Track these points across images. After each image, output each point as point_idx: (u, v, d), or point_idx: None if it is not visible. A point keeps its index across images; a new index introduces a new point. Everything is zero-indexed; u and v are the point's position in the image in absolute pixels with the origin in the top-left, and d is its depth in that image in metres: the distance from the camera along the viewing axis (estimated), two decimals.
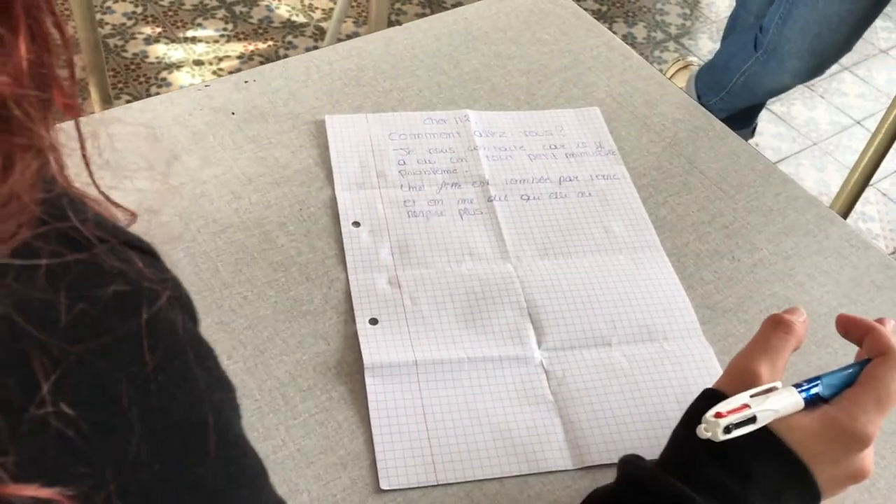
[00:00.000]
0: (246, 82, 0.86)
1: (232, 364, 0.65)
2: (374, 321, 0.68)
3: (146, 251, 0.33)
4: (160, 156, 0.78)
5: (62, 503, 0.27)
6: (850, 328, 0.59)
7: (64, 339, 0.29)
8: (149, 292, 0.31)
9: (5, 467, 0.27)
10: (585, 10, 2.46)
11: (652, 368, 0.67)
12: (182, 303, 0.34)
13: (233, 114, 0.82)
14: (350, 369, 0.66)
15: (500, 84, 0.89)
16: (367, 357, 0.66)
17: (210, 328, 0.67)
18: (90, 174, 0.39)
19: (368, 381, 0.65)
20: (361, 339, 0.67)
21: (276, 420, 0.63)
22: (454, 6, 2.29)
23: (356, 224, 0.75)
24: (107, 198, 0.39)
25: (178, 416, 0.31)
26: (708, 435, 0.51)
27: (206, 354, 0.34)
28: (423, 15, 2.27)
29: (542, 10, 0.98)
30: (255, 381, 0.64)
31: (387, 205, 0.77)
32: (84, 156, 0.39)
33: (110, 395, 0.29)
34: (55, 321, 0.29)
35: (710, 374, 0.68)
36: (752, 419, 0.51)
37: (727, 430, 0.51)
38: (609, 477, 0.61)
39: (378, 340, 0.67)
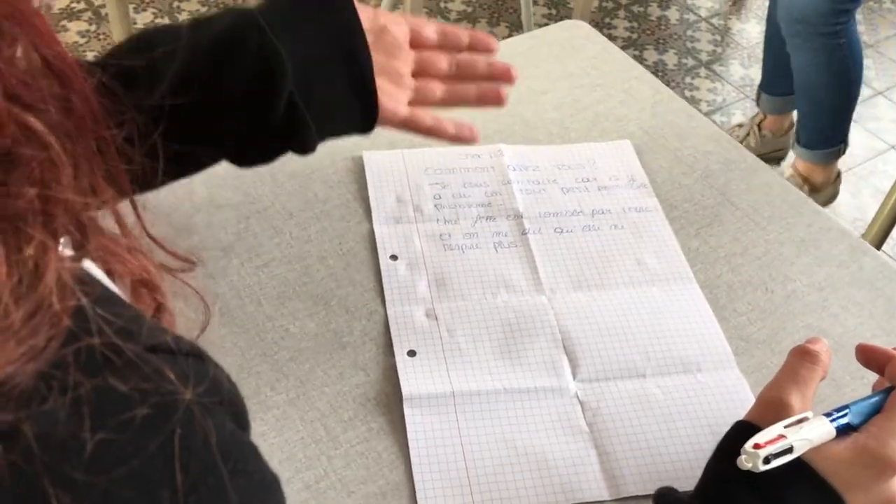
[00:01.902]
0: None
1: (275, 395, 0.67)
2: (412, 353, 0.70)
3: (184, 352, 0.32)
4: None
5: None
6: (871, 357, 0.61)
7: (88, 470, 0.27)
8: (182, 405, 0.30)
9: None
10: (616, 37, 2.47)
11: (686, 400, 0.68)
12: (223, 403, 0.32)
13: None
14: (389, 400, 0.67)
15: (533, 118, 0.91)
16: (406, 388, 0.67)
17: (254, 360, 0.69)
18: (143, 226, 0.40)
19: (407, 411, 0.66)
20: (400, 371, 0.69)
21: (318, 450, 0.64)
22: None
23: (394, 257, 0.77)
24: (163, 247, 0.40)
25: None
26: (749, 466, 0.52)
27: (246, 458, 0.33)
28: None
29: (574, 46, 1.00)
30: (297, 412, 0.66)
31: (423, 238, 0.79)
32: (136, 211, 0.39)
33: None
34: (79, 451, 0.27)
35: (745, 405, 0.68)
36: (789, 449, 0.53)
37: (766, 460, 0.52)
38: None
39: (416, 372, 0.69)
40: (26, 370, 0.26)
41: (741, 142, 1.99)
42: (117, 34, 1.65)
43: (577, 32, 1.02)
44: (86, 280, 0.31)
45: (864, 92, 2.29)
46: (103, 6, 2.22)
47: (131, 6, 2.27)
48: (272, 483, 0.34)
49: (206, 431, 0.30)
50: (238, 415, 0.34)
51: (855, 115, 2.23)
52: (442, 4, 2.40)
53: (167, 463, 0.29)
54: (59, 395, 0.27)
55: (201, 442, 0.30)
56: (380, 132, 0.88)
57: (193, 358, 0.32)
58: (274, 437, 0.65)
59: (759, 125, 2.08)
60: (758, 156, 0.90)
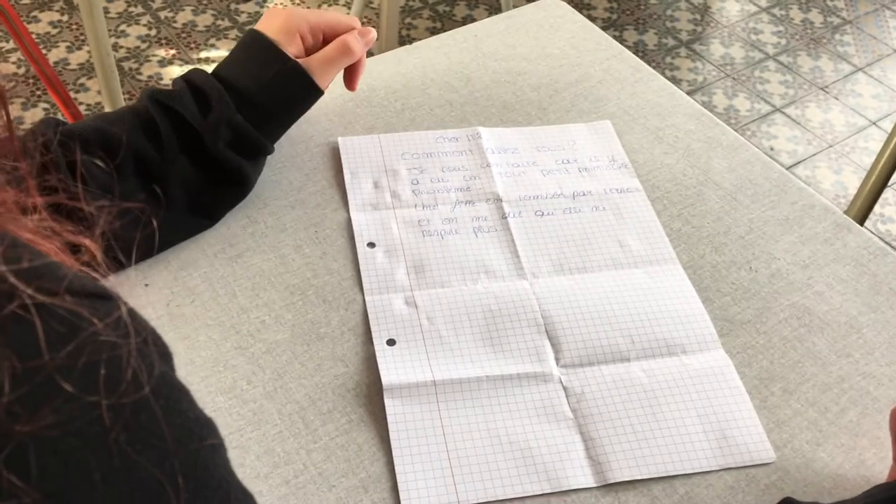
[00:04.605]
0: None
1: (251, 388, 0.65)
2: (391, 342, 0.68)
3: (97, 295, 0.31)
4: None
5: None
6: None
7: (10, 412, 0.27)
8: (106, 345, 0.29)
9: None
10: (595, 18, 2.45)
11: (672, 383, 0.67)
12: (147, 343, 0.32)
13: None
14: (369, 391, 0.66)
15: (512, 100, 0.89)
16: (386, 378, 0.66)
17: (229, 353, 0.67)
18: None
19: (388, 402, 0.65)
20: (379, 361, 0.67)
21: (297, 444, 0.63)
22: (464, 19, 2.30)
23: (371, 245, 0.75)
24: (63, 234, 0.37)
25: (144, 474, 0.30)
26: None
27: (178, 398, 0.32)
28: (434, 29, 2.28)
29: (552, 25, 0.98)
30: (274, 406, 0.65)
31: (401, 225, 0.77)
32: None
33: (69, 465, 0.28)
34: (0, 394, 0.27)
35: (731, 387, 0.67)
36: None
37: None
38: (632, 495, 0.61)
39: (396, 361, 0.67)
40: None
41: None
42: (89, 25, 1.62)
43: (554, 12, 1.00)
44: None
45: (845, 68, 2.28)
46: None
47: None
48: (208, 422, 0.34)
49: (134, 371, 0.30)
50: (164, 354, 0.33)
51: (835, 92, 2.23)
52: None
53: (95, 404, 0.29)
54: None
55: (131, 383, 0.30)
56: (355, 112, 0.86)
57: (109, 300, 0.31)
58: (251, 431, 0.63)
59: None
60: None
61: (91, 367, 0.29)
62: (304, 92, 0.76)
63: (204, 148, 0.71)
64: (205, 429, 0.33)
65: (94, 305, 0.30)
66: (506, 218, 0.78)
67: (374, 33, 0.80)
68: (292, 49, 0.75)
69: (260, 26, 0.76)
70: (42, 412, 0.27)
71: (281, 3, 2.32)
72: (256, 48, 0.75)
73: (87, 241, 0.35)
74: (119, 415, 0.29)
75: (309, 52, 0.78)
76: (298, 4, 2.32)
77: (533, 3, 1.02)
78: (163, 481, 0.30)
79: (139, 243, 0.64)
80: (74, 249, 0.36)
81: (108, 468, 0.29)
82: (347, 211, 0.78)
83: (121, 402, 0.29)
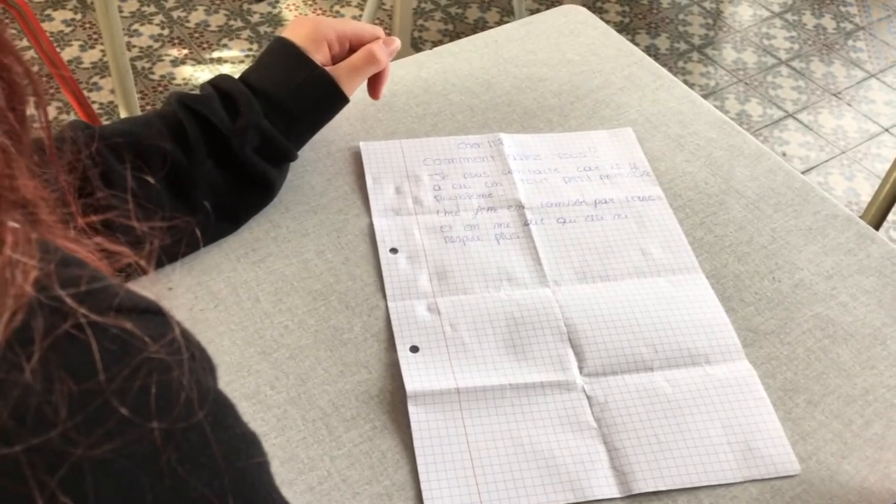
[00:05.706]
0: None
1: (275, 394, 0.65)
2: (414, 349, 0.68)
3: (147, 310, 0.31)
4: None
5: None
6: None
7: (64, 434, 0.27)
8: (158, 364, 0.29)
9: None
10: (608, 22, 2.45)
11: (695, 393, 0.67)
12: (195, 359, 0.31)
13: None
14: (392, 398, 0.66)
15: (533, 106, 0.89)
16: (409, 385, 0.66)
17: (252, 358, 0.67)
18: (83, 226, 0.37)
19: (411, 409, 0.65)
20: (403, 367, 0.67)
21: (321, 450, 0.63)
22: (476, 21, 2.29)
23: (394, 251, 0.75)
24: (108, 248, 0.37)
25: (195, 494, 0.30)
26: None
27: (225, 414, 0.32)
28: (446, 31, 2.28)
29: (572, 31, 0.98)
30: (298, 412, 0.65)
31: (423, 231, 0.77)
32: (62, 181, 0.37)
33: (122, 486, 0.28)
34: (54, 416, 0.27)
35: (755, 397, 0.67)
36: None
37: None
38: None
39: (419, 368, 0.67)
40: None
41: None
42: (104, 23, 1.62)
43: (575, 17, 1.00)
44: (45, 249, 0.30)
45: (858, 74, 2.28)
46: None
47: None
48: (253, 437, 0.34)
49: (186, 389, 0.30)
50: (210, 368, 0.33)
51: (848, 98, 2.22)
52: None
53: (146, 423, 0.28)
54: (28, 364, 0.27)
55: (183, 402, 0.30)
56: (376, 118, 0.86)
57: (159, 315, 0.31)
58: (275, 437, 0.63)
59: None
60: None
61: (145, 390, 0.29)
62: (330, 99, 0.76)
63: (231, 153, 0.71)
64: (251, 446, 0.33)
65: (147, 324, 0.30)
66: (528, 225, 0.78)
67: (398, 43, 0.80)
68: (319, 57, 0.75)
69: (287, 34, 0.76)
70: (96, 435, 0.27)
71: (294, 5, 2.32)
72: (284, 55, 0.75)
73: (140, 261, 0.35)
74: (171, 435, 0.29)
75: (335, 60, 0.78)
76: (311, 6, 2.32)
77: (553, 9, 1.01)
78: (213, 500, 0.30)
79: (168, 246, 0.64)
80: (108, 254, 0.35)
81: (159, 489, 0.28)
82: (369, 216, 0.78)
83: (175, 420, 0.29)
